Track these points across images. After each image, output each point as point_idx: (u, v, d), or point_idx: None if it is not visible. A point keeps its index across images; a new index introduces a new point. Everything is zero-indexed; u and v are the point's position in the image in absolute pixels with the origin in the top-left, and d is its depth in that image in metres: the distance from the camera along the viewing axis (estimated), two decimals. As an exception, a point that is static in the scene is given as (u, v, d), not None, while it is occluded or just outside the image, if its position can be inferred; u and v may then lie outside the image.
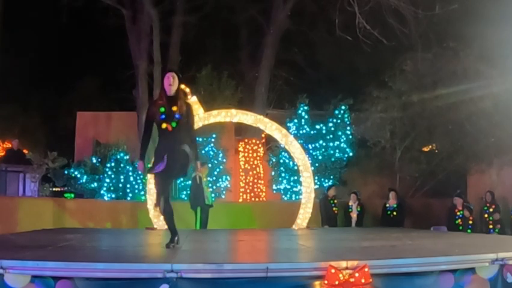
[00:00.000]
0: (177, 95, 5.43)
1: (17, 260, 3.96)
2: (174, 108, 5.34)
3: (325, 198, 11.30)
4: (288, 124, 13.07)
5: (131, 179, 12.41)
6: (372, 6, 11.49)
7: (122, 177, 12.40)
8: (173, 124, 5.33)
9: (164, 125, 5.34)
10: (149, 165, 5.70)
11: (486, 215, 11.01)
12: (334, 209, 11.35)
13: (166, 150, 5.32)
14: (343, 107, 13.38)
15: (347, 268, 3.94)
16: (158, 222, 9.60)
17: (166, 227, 9.39)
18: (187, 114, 5.46)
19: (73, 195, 13.07)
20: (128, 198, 12.26)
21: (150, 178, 9.86)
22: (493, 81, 11.03)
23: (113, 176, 12.39)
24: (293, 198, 12.64)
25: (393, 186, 12.23)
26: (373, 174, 14.00)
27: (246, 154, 14.09)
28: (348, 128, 13.37)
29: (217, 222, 10.46)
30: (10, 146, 14.58)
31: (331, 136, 13.27)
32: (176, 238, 5.52)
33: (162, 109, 5.35)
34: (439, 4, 11.08)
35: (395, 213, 11.19)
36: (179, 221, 10.00)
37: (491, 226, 10.83)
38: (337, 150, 13.25)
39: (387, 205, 11.32)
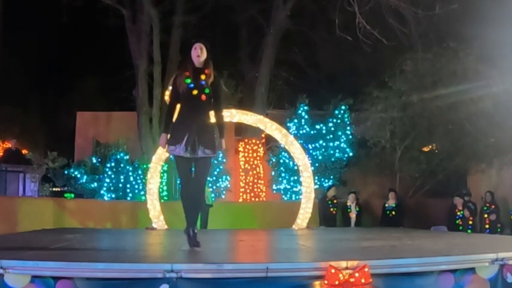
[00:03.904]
0: (205, 66, 5.22)
1: (17, 260, 3.95)
2: (202, 77, 5.12)
3: (323, 198, 11.30)
4: (288, 124, 13.06)
5: (131, 179, 12.41)
6: (372, 6, 11.49)
7: (122, 177, 12.40)
8: (206, 91, 5.09)
9: (195, 92, 5.06)
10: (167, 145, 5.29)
11: (486, 215, 11.02)
12: (332, 209, 11.35)
13: (188, 127, 5.04)
14: (343, 107, 13.39)
15: (347, 268, 3.94)
16: (158, 222, 9.61)
17: (166, 227, 9.51)
18: (216, 86, 5.22)
19: (73, 195, 13.08)
20: (128, 198, 12.26)
21: (150, 178, 9.88)
22: (493, 81, 11.04)
23: (113, 176, 12.39)
24: (293, 198, 12.64)
25: (393, 187, 12.25)
26: (373, 174, 14.01)
27: (246, 154, 14.09)
28: (348, 128, 13.37)
29: (217, 222, 10.47)
30: (9, 146, 14.59)
31: (331, 136, 13.27)
32: (190, 230, 5.17)
33: (189, 80, 5.11)
34: (439, 4, 11.08)
35: (394, 212, 11.22)
36: (180, 221, 10.05)
37: (487, 226, 10.84)
38: (337, 150, 13.25)
39: (387, 205, 11.37)
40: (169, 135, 5.21)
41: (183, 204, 5.34)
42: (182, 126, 5.11)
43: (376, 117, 12.97)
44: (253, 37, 16.26)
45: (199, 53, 5.22)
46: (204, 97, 5.12)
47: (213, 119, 5.36)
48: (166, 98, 10.59)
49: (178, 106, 5.26)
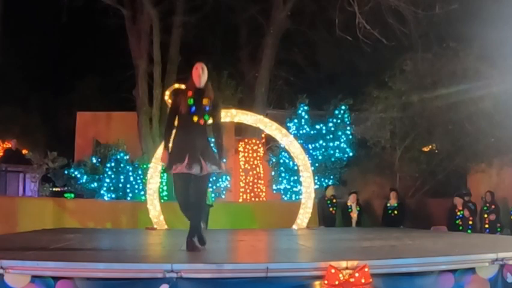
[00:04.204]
0: (206, 87, 5.26)
1: (17, 260, 3.96)
2: (205, 101, 5.16)
3: (322, 198, 11.30)
4: (288, 124, 13.06)
5: (131, 179, 12.40)
6: (372, 6, 11.49)
7: (122, 177, 12.39)
8: (206, 117, 5.16)
9: (195, 118, 5.12)
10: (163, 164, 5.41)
11: (486, 215, 11.02)
12: (331, 209, 11.36)
13: (188, 147, 5.10)
14: (343, 107, 13.38)
15: (347, 268, 3.95)
16: (158, 222, 9.61)
17: (166, 226, 9.51)
18: (215, 106, 5.28)
19: (73, 195, 13.06)
20: (128, 198, 12.25)
21: (150, 178, 9.88)
22: (493, 81, 11.03)
23: (113, 176, 12.38)
24: (293, 198, 12.64)
25: (393, 186, 12.25)
26: (373, 174, 14.01)
27: (246, 154, 14.08)
28: (348, 128, 13.36)
29: (217, 222, 10.46)
30: (9, 146, 14.60)
31: (331, 136, 13.26)
32: (189, 239, 5.21)
33: (191, 101, 5.14)
34: (439, 4, 11.07)
35: (395, 212, 11.23)
36: (180, 221, 10.04)
37: (487, 226, 10.84)
38: (337, 150, 13.24)
39: (388, 204, 11.38)
40: (169, 154, 5.27)
41: (187, 217, 5.37)
42: (182, 146, 5.17)
43: (376, 117, 12.97)
44: (253, 37, 16.25)
45: (200, 73, 5.26)
46: (202, 122, 5.20)
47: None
48: (166, 98, 10.61)
49: (176, 123, 5.33)
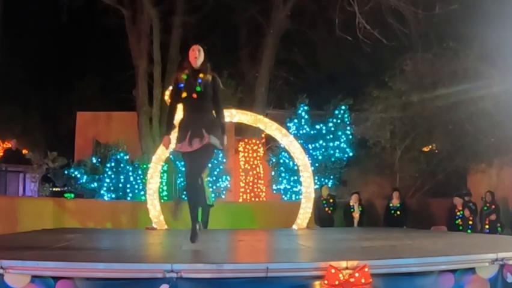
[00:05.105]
0: (202, 66, 5.35)
1: (17, 260, 3.95)
2: (201, 75, 5.27)
3: (318, 198, 11.30)
4: (288, 124, 13.06)
5: (131, 179, 12.40)
6: (372, 6, 11.48)
7: (122, 177, 12.39)
8: (198, 89, 5.23)
9: (184, 94, 5.25)
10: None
11: (486, 215, 11.02)
12: (327, 209, 11.35)
13: (190, 125, 5.22)
14: (343, 107, 13.38)
15: (347, 268, 3.94)
16: (158, 222, 9.61)
17: (166, 226, 9.51)
18: (213, 85, 5.35)
19: (73, 195, 13.06)
20: (128, 198, 12.25)
21: (150, 178, 9.88)
22: (493, 81, 11.03)
23: (113, 176, 12.38)
24: (293, 198, 12.64)
25: (394, 186, 12.25)
26: (373, 174, 14.01)
27: (246, 154, 14.08)
28: (348, 128, 13.36)
29: (217, 222, 10.45)
30: (9, 145, 14.60)
31: (331, 136, 13.27)
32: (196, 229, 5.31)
33: (185, 76, 5.28)
34: (439, 4, 11.07)
35: (398, 212, 11.24)
36: (179, 221, 10.06)
37: (487, 226, 10.84)
38: (337, 150, 13.24)
39: (391, 205, 11.37)
40: (176, 135, 5.37)
41: (189, 199, 5.45)
42: (184, 125, 5.29)
43: (376, 117, 12.98)
44: (253, 37, 16.25)
45: (197, 55, 5.35)
46: (195, 95, 5.25)
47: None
48: (166, 98, 10.62)
49: (180, 106, 5.42)
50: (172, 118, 5.44)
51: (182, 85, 5.29)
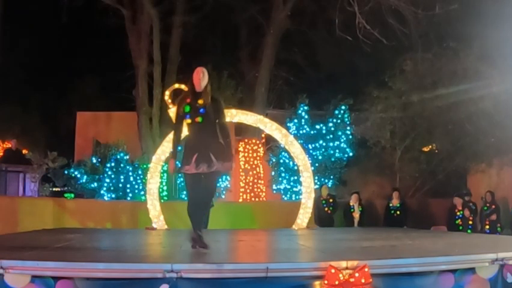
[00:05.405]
0: (204, 91, 5.39)
1: (17, 260, 3.96)
2: (200, 102, 5.32)
3: (318, 198, 11.29)
4: (288, 124, 13.06)
5: (131, 179, 12.40)
6: (372, 6, 11.48)
7: (122, 177, 12.38)
8: (200, 119, 5.31)
9: (189, 121, 5.35)
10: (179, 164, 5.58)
11: (486, 215, 11.01)
12: (326, 209, 11.35)
13: (196, 147, 5.29)
14: (343, 107, 13.38)
15: (347, 268, 3.95)
16: (158, 222, 9.61)
17: (166, 226, 9.51)
18: (215, 109, 5.40)
19: (73, 195, 13.06)
20: (128, 198, 12.25)
21: (150, 178, 9.88)
22: (493, 81, 11.03)
23: (113, 176, 12.38)
24: (293, 198, 12.63)
25: (394, 186, 12.25)
26: (373, 174, 14.01)
27: (246, 154, 14.07)
28: (348, 128, 13.36)
29: (217, 222, 10.45)
30: (9, 145, 14.60)
31: (331, 136, 13.26)
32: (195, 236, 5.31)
33: (187, 108, 5.35)
34: (439, 4, 11.07)
35: (398, 212, 11.24)
36: (180, 221, 10.05)
37: (487, 226, 10.85)
38: (337, 150, 13.24)
39: (391, 204, 11.37)
40: (182, 155, 5.48)
41: (190, 213, 5.44)
42: (190, 146, 5.39)
43: (376, 117, 12.98)
44: (253, 37, 16.24)
45: (201, 77, 5.39)
46: (198, 119, 5.34)
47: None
48: (166, 98, 10.62)
49: (185, 129, 5.54)
50: (178, 143, 5.58)
51: (188, 116, 5.38)
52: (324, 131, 13.30)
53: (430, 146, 14.07)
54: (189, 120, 5.36)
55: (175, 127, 5.58)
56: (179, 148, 5.72)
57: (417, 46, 12.72)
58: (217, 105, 5.45)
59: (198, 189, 5.40)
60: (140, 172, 12.34)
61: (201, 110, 5.32)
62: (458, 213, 11.01)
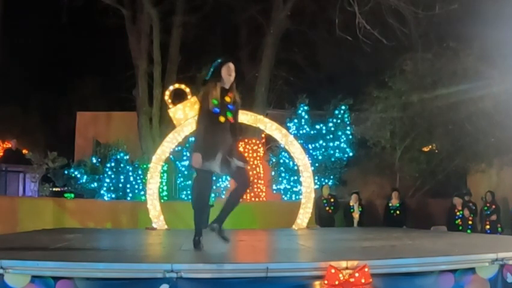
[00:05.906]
0: (232, 87, 5.33)
1: (17, 260, 3.96)
2: (227, 99, 5.23)
3: (319, 198, 11.30)
4: (288, 124, 13.06)
5: (131, 179, 12.40)
6: (372, 6, 11.48)
7: (122, 177, 12.39)
8: (228, 114, 5.23)
9: (222, 119, 5.18)
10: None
11: (486, 215, 11.02)
12: (327, 208, 11.35)
13: (220, 145, 5.16)
14: (343, 107, 13.38)
15: (347, 268, 3.94)
16: (158, 222, 9.61)
17: (166, 226, 9.50)
18: (238, 108, 5.39)
19: (73, 195, 13.05)
20: (128, 198, 12.25)
21: (150, 178, 9.88)
22: (493, 81, 11.03)
23: (113, 176, 12.38)
24: (293, 198, 12.63)
25: (394, 186, 12.25)
26: (373, 174, 14.01)
27: (246, 154, 14.02)
28: (348, 128, 13.36)
29: (217, 222, 10.43)
30: (9, 145, 14.60)
31: (331, 136, 13.26)
32: (197, 238, 5.35)
33: (215, 101, 5.16)
34: (439, 4, 11.07)
35: (398, 212, 11.25)
36: (180, 221, 10.05)
37: (488, 226, 10.85)
38: (337, 150, 13.24)
39: (390, 204, 11.38)
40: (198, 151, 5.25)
41: (196, 212, 5.52)
42: (213, 143, 5.16)
43: (376, 117, 12.97)
44: (253, 37, 16.24)
45: (231, 73, 5.30)
46: (222, 119, 5.22)
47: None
48: (166, 98, 10.60)
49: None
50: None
51: (218, 110, 5.18)
52: (324, 131, 13.30)
53: (430, 146, 14.06)
54: (223, 118, 5.18)
55: (202, 120, 5.23)
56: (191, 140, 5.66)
57: (417, 46, 12.73)
58: (239, 104, 5.44)
59: (208, 185, 5.46)
60: (140, 172, 12.34)
61: (230, 107, 5.24)
62: (458, 213, 11.01)
